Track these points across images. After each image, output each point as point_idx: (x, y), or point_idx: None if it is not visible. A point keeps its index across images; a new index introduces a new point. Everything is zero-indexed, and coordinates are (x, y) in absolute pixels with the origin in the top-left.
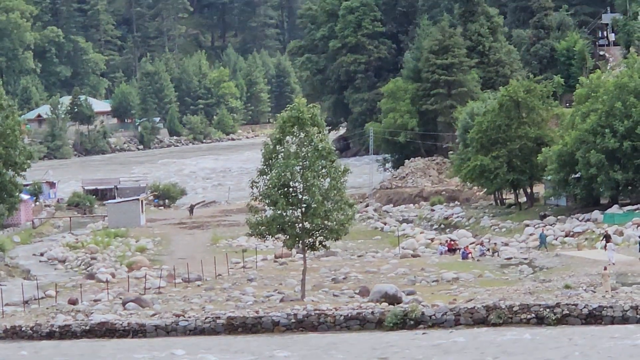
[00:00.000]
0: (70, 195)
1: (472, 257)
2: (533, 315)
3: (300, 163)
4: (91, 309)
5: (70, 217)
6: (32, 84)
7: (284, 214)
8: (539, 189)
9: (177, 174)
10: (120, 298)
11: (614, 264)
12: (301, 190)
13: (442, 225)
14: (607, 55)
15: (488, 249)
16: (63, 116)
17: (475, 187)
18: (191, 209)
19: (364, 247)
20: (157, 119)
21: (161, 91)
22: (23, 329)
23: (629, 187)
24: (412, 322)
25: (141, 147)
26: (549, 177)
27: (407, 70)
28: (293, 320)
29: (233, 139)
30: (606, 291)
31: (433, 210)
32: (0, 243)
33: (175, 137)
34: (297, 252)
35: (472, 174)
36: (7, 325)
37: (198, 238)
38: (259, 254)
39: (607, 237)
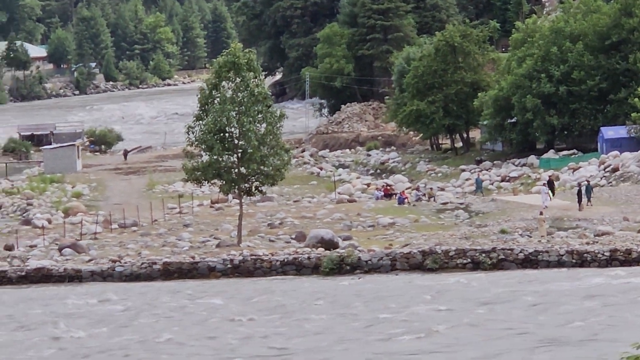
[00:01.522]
0: (5, 140)
1: (408, 202)
2: (469, 260)
3: (237, 108)
4: (27, 255)
5: (6, 163)
6: None
7: (220, 159)
8: (475, 134)
9: (113, 119)
10: (57, 244)
11: (546, 207)
12: (237, 135)
13: (378, 170)
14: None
15: (424, 194)
16: None
17: (412, 132)
18: (125, 154)
19: (300, 193)
20: (93, 65)
21: (97, 36)
22: None
23: (565, 132)
24: (348, 268)
25: (77, 92)
26: (485, 122)
27: (343, 15)
28: (229, 266)
29: (169, 85)
30: (542, 236)
31: (369, 155)
32: None
33: (111, 83)
34: (233, 198)
35: (409, 119)
36: None
37: (134, 184)
38: (195, 200)
39: (551, 183)
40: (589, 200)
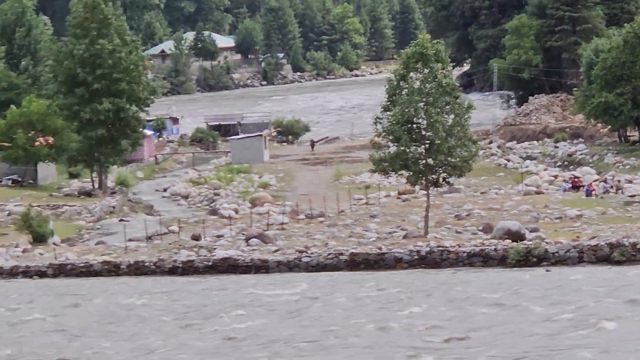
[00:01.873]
0: (193, 131)
1: (596, 195)
2: None
3: (424, 99)
4: (214, 245)
5: (193, 153)
6: (156, 19)
7: (407, 150)
8: None
9: (300, 110)
10: (243, 234)
11: None
12: (424, 126)
13: (566, 162)
14: None
15: (612, 186)
16: (187, 52)
17: (599, 124)
18: (312, 144)
19: (487, 184)
20: (281, 55)
21: (285, 27)
22: (146, 264)
23: None
24: (534, 259)
25: (264, 83)
26: None
27: (531, 6)
28: (416, 257)
29: (356, 75)
30: None
31: (557, 147)
32: (124, 178)
33: (298, 73)
34: (420, 189)
35: (596, 111)
36: (130, 261)
37: (321, 174)
38: (382, 191)
39: None
40: None
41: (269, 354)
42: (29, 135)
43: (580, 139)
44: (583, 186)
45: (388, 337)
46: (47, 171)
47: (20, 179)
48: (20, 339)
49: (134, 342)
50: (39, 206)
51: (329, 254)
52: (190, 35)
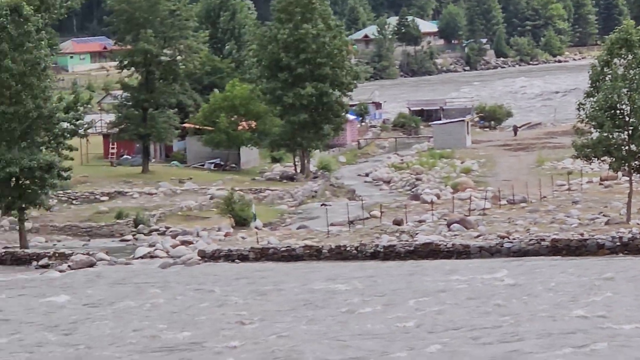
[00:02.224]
0: (395, 116)
1: None
2: None
3: (628, 85)
4: (415, 230)
5: (395, 138)
6: (360, 4)
7: (610, 136)
8: None
9: (503, 95)
10: (445, 219)
11: None
12: (628, 112)
13: None
14: None
15: None
16: (390, 37)
17: None
18: (515, 130)
19: None
20: (484, 40)
21: (489, 12)
22: (348, 248)
23: None
24: None
25: (467, 68)
26: None
27: None
28: (618, 244)
29: (560, 61)
30: None
31: None
32: (326, 163)
33: (501, 59)
34: (622, 175)
35: None
36: (332, 245)
37: (522, 160)
38: (584, 177)
39: None
40: None
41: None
42: (232, 119)
43: None
44: None
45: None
46: (249, 155)
47: (222, 163)
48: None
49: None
50: (241, 190)
51: (531, 240)
52: (393, 20)
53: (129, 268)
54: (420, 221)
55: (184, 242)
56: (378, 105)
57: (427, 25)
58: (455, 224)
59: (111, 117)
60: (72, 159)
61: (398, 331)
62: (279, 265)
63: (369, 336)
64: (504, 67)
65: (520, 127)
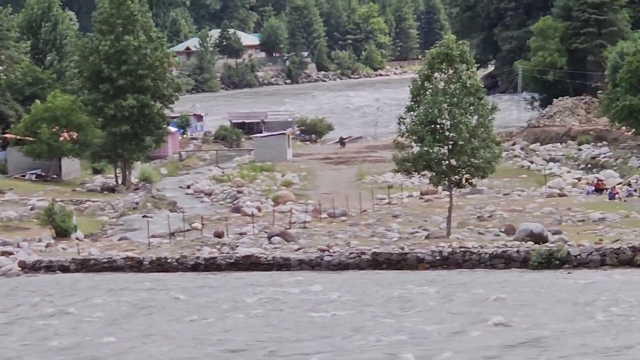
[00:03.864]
0: (217, 128)
1: (619, 198)
2: None
3: (448, 100)
4: (237, 242)
5: (217, 151)
6: (182, 16)
7: (431, 150)
8: None
9: (324, 109)
10: (266, 232)
11: None
12: (448, 127)
13: (589, 165)
14: None
15: (635, 190)
16: (211, 49)
17: (624, 127)
18: (342, 141)
19: (510, 186)
20: (306, 54)
21: (310, 26)
22: (169, 260)
23: None
24: (557, 262)
25: (289, 81)
26: None
27: (557, 8)
28: (438, 257)
29: (381, 75)
30: None
31: (580, 149)
32: (148, 175)
33: (322, 72)
34: (443, 189)
35: (621, 114)
36: (153, 257)
37: (343, 173)
38: (405, 191)
39: None
40: None
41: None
42: (53, 130)
43: (604, 142)
44: (606, 189)
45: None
46: (70, 166)
47: (43, 174)
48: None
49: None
50: (62, 201)
51: (351, 253)
52: (215, 33)
53: None
54: (241, 233)
55: (4, 253)
56: (199, 118)
57: (248, 38)
58: (276, 237)
59: None
60: None
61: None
62: (99, 276)
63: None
64: (325, 81)
65: (346, 139)
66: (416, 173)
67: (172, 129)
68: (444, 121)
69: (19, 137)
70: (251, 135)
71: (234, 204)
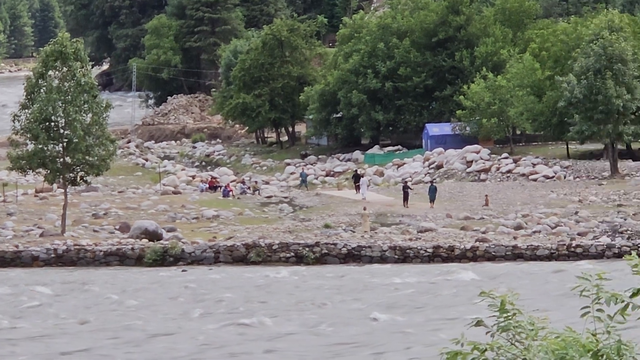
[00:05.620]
0: None
1: (233, 195)
2: (292, 254)
3: (63, 98)
4: None
5: None
6: None
7: (45, 148)
8: (301, 128)
9: None
10: None
11: (364, 199)
12: (63, 125)
13: (204, 163)
14: None
15: (249, 187)
16: None
17: (237, 125)
18: None
19: (125, 183)
20: None
21: None
22: None
23: (390, 128)
24: (171, 259)
25: None
26: (310, 117)
27: (171, 7)
28: (52, 255)
29: None
30: (365, 231)
31: (195, 147)
32: None
33: None
34: (58, 187)
35: (235, 112)
36: None
37: None
38: (20, 188)
39: (357, 177)
40: (432, 201)
41: None
42: None
43: (218, 140)
44: (220, 187)
45: None
46: None
47: None
48: None
49: None
50: None
51: None
52: None
53: None
54: None
55: None
56: None
57: None
58: None
59: None
60: None
61: None
62: None
63: None
64: None
65: None
66: (31, 170)
67: None
68: (58, 119)
69: None
70: None
71: None
